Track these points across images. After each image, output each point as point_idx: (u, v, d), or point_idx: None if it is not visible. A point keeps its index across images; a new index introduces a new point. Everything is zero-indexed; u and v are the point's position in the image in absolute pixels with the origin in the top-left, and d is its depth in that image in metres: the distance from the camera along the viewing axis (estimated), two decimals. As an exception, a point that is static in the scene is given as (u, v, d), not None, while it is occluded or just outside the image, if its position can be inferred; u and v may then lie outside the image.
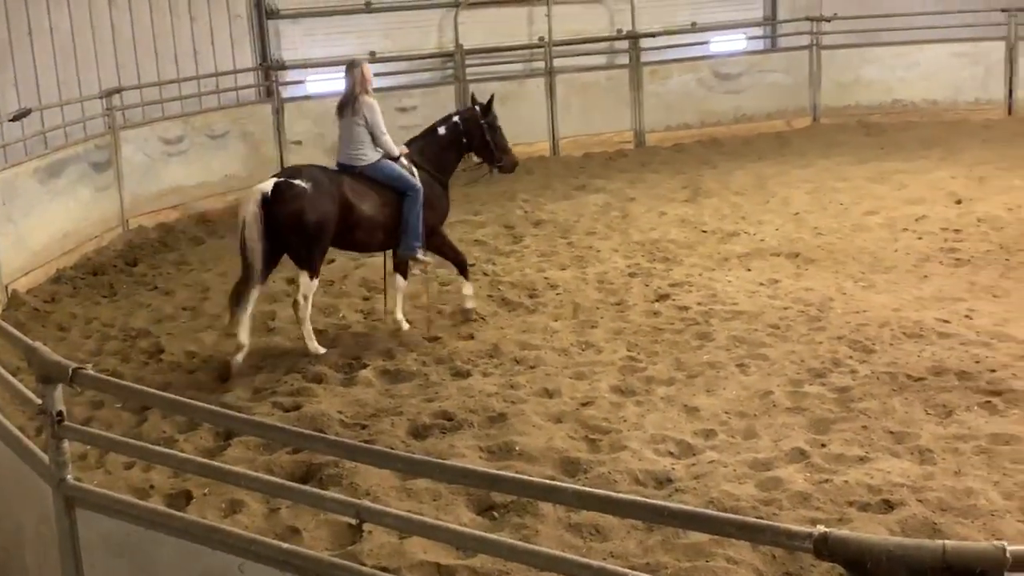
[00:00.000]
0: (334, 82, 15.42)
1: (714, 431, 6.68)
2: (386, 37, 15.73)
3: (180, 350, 8.67)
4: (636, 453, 6.37)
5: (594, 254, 10.63)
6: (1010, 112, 16.04)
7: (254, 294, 8.19)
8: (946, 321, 8.14)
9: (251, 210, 7.99)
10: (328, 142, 14.52)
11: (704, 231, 11.19)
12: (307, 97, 14.95)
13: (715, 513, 2.75)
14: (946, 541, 2.56)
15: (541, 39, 16.00)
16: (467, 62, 15.41)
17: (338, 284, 10.09)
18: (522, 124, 15.43)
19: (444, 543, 4.98)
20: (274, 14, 15.18)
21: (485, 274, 10.13)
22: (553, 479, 5.91)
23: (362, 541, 5.42)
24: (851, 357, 7.61)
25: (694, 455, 6.39)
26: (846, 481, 5.86)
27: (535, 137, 15.54)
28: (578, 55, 16.32)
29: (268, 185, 8.13)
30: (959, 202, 11.50)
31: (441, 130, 9.03)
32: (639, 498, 3.39)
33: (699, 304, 8.94)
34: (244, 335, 8.07)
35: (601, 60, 16.71)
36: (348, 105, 8.57)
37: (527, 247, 11.04)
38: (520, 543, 3.81)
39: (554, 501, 2.90)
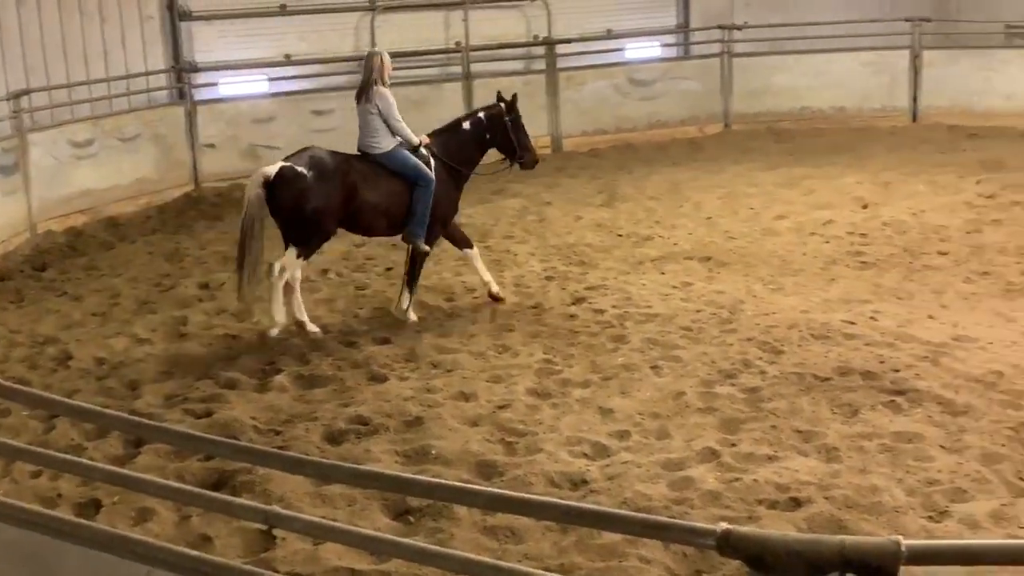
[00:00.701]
0: (248, 84, 15.35)
1: (628, 432, 6.77)
2: (302, 40, 15.61)
3: (89, 357, 8.50)
4: (552, 455, 6.43)
5: (511, 258, 10.68)
6: (915, 119, 16.50)
7: (298, 273, 8.60)
8: (852, 323, 8.35)
9: (255, 192, 8.31)
10: (242, 144, 14.43)
11: (619, 235, 11.32)
12: (220, 100, 14.77)
13: (622, 512, 2.81)
14: (845, 536, 2.64)
15: (458, 44, 16.02)
16: (383, 66, 15.34)
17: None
18: (439, 128, 15.46)
19: (357, 548, 4.96)
20: (187, 16, 14.96)
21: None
22: (469, 482, 5.93)
23: (275, 548, 5.38)
24: (761, 358, 7.77)
25: (608, 456, 6.47)
26: (755, 480, 5.99)
27: (452, 141, 15.53)
28: (495, 60, 16.38)
29: (273, 169, 8.41)
30: (865, 207, 11.81)
31: (466, 124, 9.29)
32: (548, 499, 3.43)
33: (614, 307, 9.04)
34: (280, 313, 8.44)
35: (518, 66, 16.80)
36: (363, 94, 8.84)
37: (445, 251, 11.00)
38: (433, 547, 3.83)
39: (465, 504, 2.93)
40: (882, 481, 5.94)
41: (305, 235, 8.50)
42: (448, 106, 15.52)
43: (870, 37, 16.68)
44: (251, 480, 6.10)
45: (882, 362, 7.54)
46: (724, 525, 2.60)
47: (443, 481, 3.46)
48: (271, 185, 8.35)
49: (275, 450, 4.19)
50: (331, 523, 3.87)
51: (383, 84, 8.86)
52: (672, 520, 2.78)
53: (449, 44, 16.25)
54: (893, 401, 6.95)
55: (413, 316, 8.90)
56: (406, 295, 8.97)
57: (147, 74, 14.39)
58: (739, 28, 16.97)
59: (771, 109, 16.74)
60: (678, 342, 8.18)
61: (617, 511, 3.00)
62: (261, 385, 7.79)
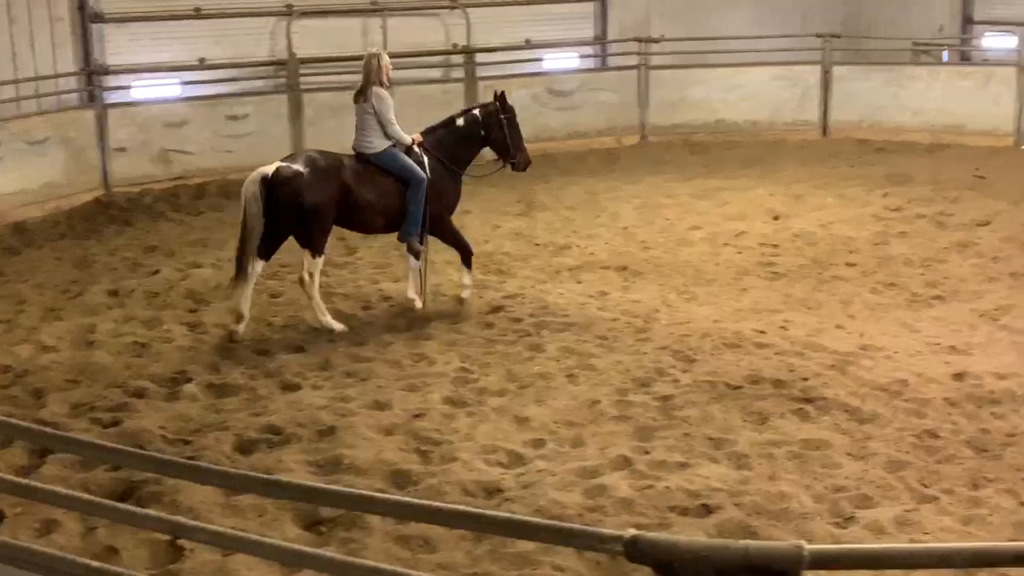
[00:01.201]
0: (161, 88, 15.09)
1: (543, 440, 6.79)
2: (216, 44, 15.39)
3: (-8, 365, 8.26)
4: (467, 464, 6.42)
5: (428, 266, 10.63)
6: (825, 133, 16.88)
7: (256, 268, 8.71)
8: (763, 332, 8.49)
9: (251, 190, 8.49)
10: (154, 148, 14.18)
11: (537, 244, 11.37)
12: (132, 103, 14.50)
13: (531, 519, 2.81)
14: (749, 542, 2.68)
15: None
16: (301, 71, 15.22)
17: (163, 296, 9.80)
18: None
19: (267, 559, 4.89)
20: (98, 18, 14.65)
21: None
22: (382, 492, 5.89)
23: (184, 560, 5.28)
24: (674, 366, 7.86)
25: (523, 464, 6.48)
26: (668, 487, 6.05)
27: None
28: (414, 68, 16.34)
29: (270, 168, 8.58)
30: (776, 218, 12.04)
31: (460, 121, 9.39)
32: (459, 507, 3.43)
33: (531, 316, 9.07)
34: (245, 307, 8.59)
35: (437, 74, 16.79)
36: (362, 94, 9.01)
37: (361, 259, 10.98)
38: (343, 556, 3.79)
39: (376, 513, 2.90)
40: (790, 488, 6.05)
41: (307, 232, 8.70)
42: (366, 113, 15.47)
43: (782, 52, 17.04)
44: (159, 491, 5.98)
45: (791, 371, 7.68)
46: (632, 531, 2.62)
47: (352, 490, 3.43)
48: (269, 184, 8.50)
49: (182, 460, 4.11)
50: (240, 534, 3.80)
51: (381, 85, 9.01)
52: (580, 527, 2.79)
53: (368, 50, 16.11)
54: (802, 409, 7.09)
55: (419, 303, 9.20)
56: (413, 288, 9.29)
57: (57, 76, 14.05)
58: (655, 41, 17.19)
59: (687, 121, 16.98)
60: (594, 351, 8.24)
61: (526, 518, 3.00)
62: (171, 394, 7.64)
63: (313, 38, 15.68)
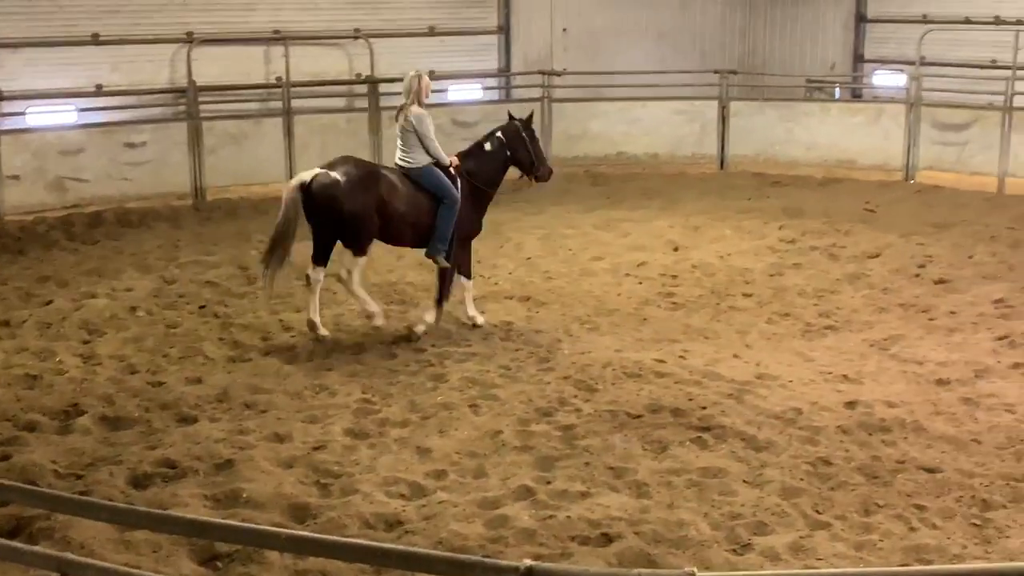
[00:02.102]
0: (57, 114, 14.75)
1: (445, 472, 6.77)
2: (115, 70, 15.13)
3: None
4: (368, 496, 6.37)
5: (331, 296, 10.56)
6: (723, 167, 17.28)
7: (318, 275, 9.15)
8: (663, 361, 8.61)
9: (291, 197, 8.89)
10: (49, 176, 13.84)
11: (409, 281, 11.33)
12: (27, 129, 14.15)
13: (428, 552, 2.81)
14: (642, 570, 2.71)
15: (278, 79, 15.85)
16: (201, 99, 15.04)
17: (56, 326, 9.53)
18: (259, 164, 15.27)
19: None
20: (-9, 42, 14.29)
21: (216, 316, 9.87)
22: (281, 526, 5.80)
23: (73, 598, 5.12)
24: (576, 396, 7.92)
25: (425, 496, 6.45)
26: (569, 516, 6.08)
27: (272, 177, 15.33)
28: (317, 97, 16.29)
29: (309, 175, 8.97)
30: (676, 250, 12.25)
31: (487, 146, 9.75)
32: (354, 540, 3.40)
33: (434, 346, 9.05)
34: (315, 315, 9.13)
35: (340, 103, 16.75)
36: (402, 111, 9.32)
37: (261, 289, 10.82)
38: (239, 592, 3.73)
39: (270, 547, 2.86)
40: (689, 515, 6.13)
41: (349, 235, 9.01)
42: (269, 141, 15.38)
43: (682, 87, 17.41)
44: (50, 527, 5.79)
45: (690, 399, 7.80)
46: (527, 562, 2.64)
47: (248, 525, 3.37)
48: (306, 191, 8.82)
49: (73, 496, 4.00)
50: (129, 570, 3.71)
51: (420, 104, 9.29)
52: (478, 559, 2.80)
53: (270, 79, 16.05)
54: (700, 437, 7.19)
55: (423, 327, 9.30)
56: (431, 311, 9.44)
57: (-54, 101, 13.66)
58: (558, 74, 17.43)
59: (589, 153, 17.22)
60: (497, 381, 8.26)
61: (423, 551, 3.00)
62: (63, 427, 7.43)
63: (214, 66, 15.51)
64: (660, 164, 17.29)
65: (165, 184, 14.66)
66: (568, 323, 9.72)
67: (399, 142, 9.38)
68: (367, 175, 9.04)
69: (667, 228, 13.23)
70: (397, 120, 9.38)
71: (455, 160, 9.47)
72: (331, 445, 7.11)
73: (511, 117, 9.98)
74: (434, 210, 9.26)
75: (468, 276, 9.67)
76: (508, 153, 9.76)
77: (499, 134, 9.82)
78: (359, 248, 9.10)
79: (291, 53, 15.78)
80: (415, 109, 9.24)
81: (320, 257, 9.21)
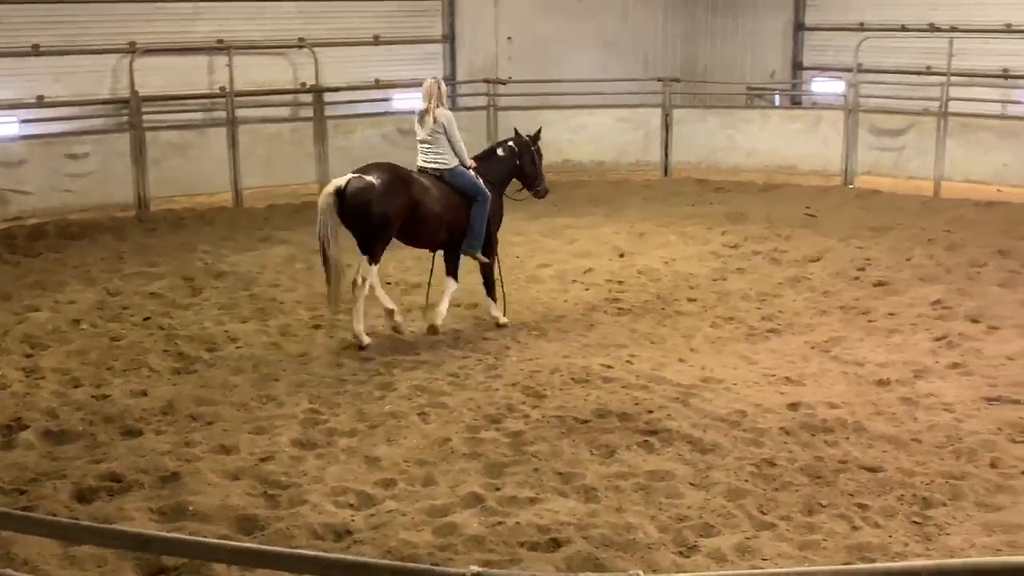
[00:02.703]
0: (0, 126, 14.53)
1: (394, 480, 6.77)
2: (56, 81, 14.93)
3: None
4: (316, 506, 6.36)
5: (278, 306, 10.54)
6: (666, 173, 17.45)
7: (374, 278, 9.29)
8: (610, 366, 8.69)
9: (326, 202, 9.03)
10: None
11: (388, 283, 11.35)
12: (-36, 140, 13.94)
13: (376, 561, 2.83)
14: (589, 574, 2.76)
15: (222, 89, 15.75)
16: (144, 109, 14.92)
17: (-3, 341, 9.41)
18: (203, 174, 15.17)
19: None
20: (-72, 52, 14.06)
21: (161, 328, 9.79)
22: (228, 538, 5.78)
23: (18, 615, 5.07)
24: (524, 402, 7.97)
25: (374, 505, 6.45)
26: (518, 522, 6.12)
27: (217, 188, 15.29)
28: (262, 106, 16.21)
29: (343, 179, 9.11)
30: (622, 256, 12.36)
31: (500, 152, 10.17)
32: (300, 551, 3.40)
33: (382, 355, 9.06)
34: (360, 326, 9.18)
35: (285, 112, 16.68)
36: (425, 115, 9.57)
37: (207, 300, 10.78)
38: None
39: (216, 560, 2.86)
40: (636, 519, 6.20)
41: (371, 240, 9.19)
42: (213, 152, 15.29)
43: (626, 95, 17.57)
44: (-8, 544, 5.72)
45: (637, 404, 7.88)
46: (474, 568, 2.67)
47: (193, 538, 3.37)
48: (341, 195, 8.98)
49: (15, 511, 3.96)
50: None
51: (443, 106, 9.65)
52: (425, 567, 2.83)
53: (214, 89, 15.95)
54: (647, 441, 7.26)
55: (504, 319, 9.77)
56: (494, 306, 9.87)
57: None
58: (503, 83, 17.50)
59: (535, 161, 17.26)
60: (445, 388, 8.28)
61: (371, 560, 3.02)
62: (5, 442, 7.33)
63: (157, 76, 15.38)
64: (605, 171, 17.43)
65: (108, 195, 14.51)
66: (515, 330, 9.77)
67: (427, 145, 9.64)
68: (401, 179, 9.25)
69: (613, 235, 13.34)
70: (423, 124, 9.62)
71: (473, 162, 9.81)
72: (278, 456, 7.09)
73: (517, 132, 10.36)
74: (466, 210, 9.57)
75: (456, 279, 9.90)
76: (517, 163, 10.14)
77: (511, 143, 10.21)
78: (376, 254, 9.29)
79: (235, 63, 15.71)
80: (444, 112, 9.60)
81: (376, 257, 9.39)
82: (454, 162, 9.62)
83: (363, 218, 9.08)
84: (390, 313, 9.51)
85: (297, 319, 10.09)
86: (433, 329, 9.57)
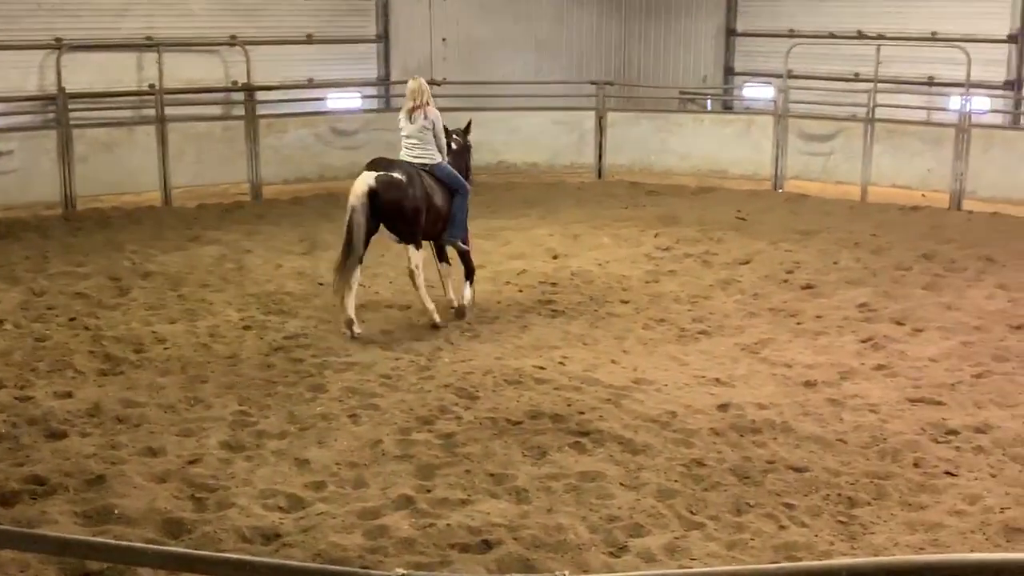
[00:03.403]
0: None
1: (324, 483, 6.72)
2: (-21, 77, 14.60)
3: None
4: (244, 509, 6.28)
5: (207, 307, 10.40)
6: (600, 176, 17.56)
7: (357, 274, 9.59)
8: (543, 368, 8.72)
9: (361, 201, 9.42)
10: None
11: (320, 284, 11.28)
12: None
13: (303, 564, 2.81)
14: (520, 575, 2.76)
15: (152, 86, 15.51)
16: (71, 106, 14.63)
17: (-85, 342, 9.15)
18: (131, 173, 14.95)
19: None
20: None
21: (87, 328, 9.61)
22: (153, 541, 5.69)
23: (-66, 624, 4.94)
24: (457, 404, 7.95)
25: (304, 508, 6.39)
26: (449, 524, 6.11)
27: (145, 187, 15.07)
28: (192, 104, 15.99)
29: (371, 178, 9.50)
30: (556, 257, 12.41)
31: (454, 145, 10.43)
32: (226, 555, 3.36)
33: (313, 356, 8.99)
34: (351, 311, 9.45)
35: (217, 111, 16.48)
36: (413, 113, 9.98)
37: (134, 300, 10.60)
38: (110, 609, 3.65)
39: (141, 564, 2.81)
40: (567, 520, 6.22)
41: (410, 230, 9.67)
42: (142, 150, 15.06)
43: (560, 98, 17.65)
44: (-93, 551, 5.57)
45: (569, 405, 7.91)
46: (400, 571, 2.66)
47: (117, 542, 3.31)
48: (375, 191, 9.42)
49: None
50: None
51: (431, 105, 10.06)
52: (354, 570, 2.81)
53: (143, 86, 15.70)
54: (579, 442, 7.30)
55: (469, 301, 10.24)
56: (469, 291, 10.26)
57: None
58: (438, 83, 17.42)
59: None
60: (377, 390, 8.24)
61: (297, 563, 2.99)
62: (-77, 446, 7.15)
63: (84, 72, 15.09)
64: (539, 173, 17.49)
65: (33, 194, 14.21)
66: (449, 331, 9.75)
67: (415, 141, 9.99)
68: (415, 172, 9.74)
69: (547, 236, 13.38)
70: (412, 121, 9.98)
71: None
72: (206, 458, 6.99)
73: (467, 126, 10.78)
74: (450, 201, 10.06)
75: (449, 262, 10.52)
76: (464, 157, 10.61)
77: (456, 137, 10.55)
78: (419, 241, 9.78)
79: (165, 60, 15.47)
80: (434, 110, 10.07)
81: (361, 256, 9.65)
82: (439, 157, 10.04)
83: (400, 212, 9.56)
84: (431, 312, 9.91)
85: (227, 320, 9.97)
86: (461, 311, 10.16)
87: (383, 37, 18.11)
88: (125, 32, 15.63)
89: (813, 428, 7.60)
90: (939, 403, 8.06)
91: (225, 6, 16.50)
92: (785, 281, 11.47)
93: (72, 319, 9.89)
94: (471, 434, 7.42)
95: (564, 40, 19.60)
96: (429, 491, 6.60)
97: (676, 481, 6.76)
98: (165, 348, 9.17)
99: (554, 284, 11.33)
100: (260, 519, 6.16)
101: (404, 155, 10.01)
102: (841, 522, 6.31)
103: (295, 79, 16.99)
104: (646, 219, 14.39)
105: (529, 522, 6.18)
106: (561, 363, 8.91)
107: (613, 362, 9.01)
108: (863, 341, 9.53)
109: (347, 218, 9.55)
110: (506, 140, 17.43)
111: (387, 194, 9.50)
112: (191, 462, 6.93)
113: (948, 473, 6.93)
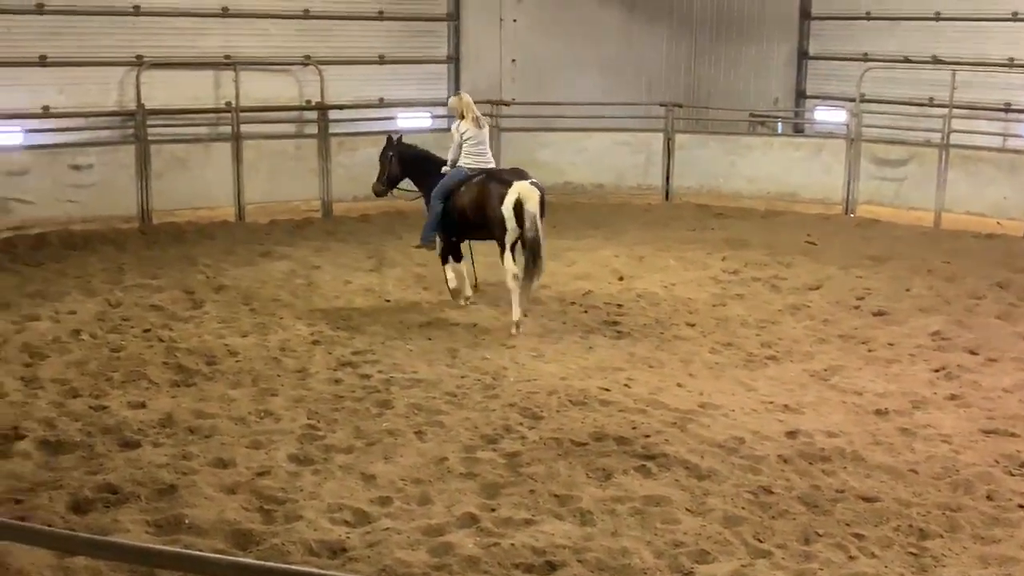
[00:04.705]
0: (2, 135, 14.56)
1: (390, 498, 6.77)
2: (61, 92, 14.97)
3: None
4: (311, 523, 6.35)
5: (277, 321, 10.55)
6: (667, 198, 17.51)
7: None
8: (607, 389, 8.69)
9: (536, 205, 10.16)
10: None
11: (387, 301, 11.39)
12: (-32, 149, 13.98)
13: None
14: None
15: (228, 104, 15.81)
16: (149, 123, 14.97)
17: (-4, 350, 9.41)
18: (207, 188, 15.23)
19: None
20: (-64, 61, 14.10)
21: (161, 340, 9.79)
22: (223, 552, 5.78)
23: (11, 625, 5.06)
24: (521, 424, 7.96)
25: (369, 523, 6.44)
26: (513, 544, 6.11)
27: (219, 202, 15.36)
28: (266, 122, 16.27)
29: (534, 186, 10.21)
30: (621, 279, 12.39)
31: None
32: (298, 567, 3.40)
33: (380, 372, 9.06)
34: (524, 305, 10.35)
35: (290, 128, 16.75)
36: (483, 122, 11.12)
37: (207, 313, 10.79)
38: (183, 618, 3.72)
39: (208, 574, 2.86)
40: (632, 544, 6.19)
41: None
42: (216, 166, 15.34)
43: (628, 119, 17.64)
44: (-14, 554, 5.71)
45: (634, 428, 7.88)
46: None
47: (190, 552, 3.37)
48: (542, 199, 10.27)
49: (11, 521, 3.96)
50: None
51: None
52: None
53: (219, 104, 16.01)
54: (644, 465, 7.26)
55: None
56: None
57: None
58: (507, 104, 17.58)
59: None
60: (442, 407, 8.28)
61: None
62: (2, 451, 7.32)
63: (163, 89, 15.44)
64: (605, 194, 17.48)
65: (111, 207, 14.55)
66: (514, 351, 9.78)
67: (484, 147, 10.99)
68: None
69: (612, 258, 13.36)
70: (481, 128, 11.00)
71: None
72: (275, 471, 7.08)
73: (391, 136, 11.73)
74: None
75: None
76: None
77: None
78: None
79: (241, 78, 15.77)
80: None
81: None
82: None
83: (543, 215, 10.29)
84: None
85: (296, 334, 10.10)
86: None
87: (454, 58, 18.27)
88: (204, 51, 15.96)
89: (884, 458, 7.48)
90: (1013, 435, 7.90)
91: (300, 27, 16.78)
92: (856, 307, 11.32)
93: (147, 331, 10.09)
94: (535, 454, 7.43)
95: (633, 61, 19.60)
96: (493, 510, 6.61)
97: (743, 508, 6.69)
98: (236, 361, 9.32)
99: (619, 306, 11.31)
100: (327, 533, 6.22)
101: (477, 161, 10.87)
102: (912, 554, 6.20)
103: (366, 99, 17.21)
104: (713, 242, 14.31)
105: (593, 545, 6.16)
106: (626, 385, 8.88)
107: (679, 385, 8.96)
108: (936, 370, 9.37)
109: (535, 223, 10.08)
110: (572, 161, 17.47)
111: (542, 200, 10.29)
112: (260, 474, 7.02)
113: (1022, 507, 6.77)
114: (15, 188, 13.88)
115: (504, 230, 10.23)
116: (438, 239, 11.07)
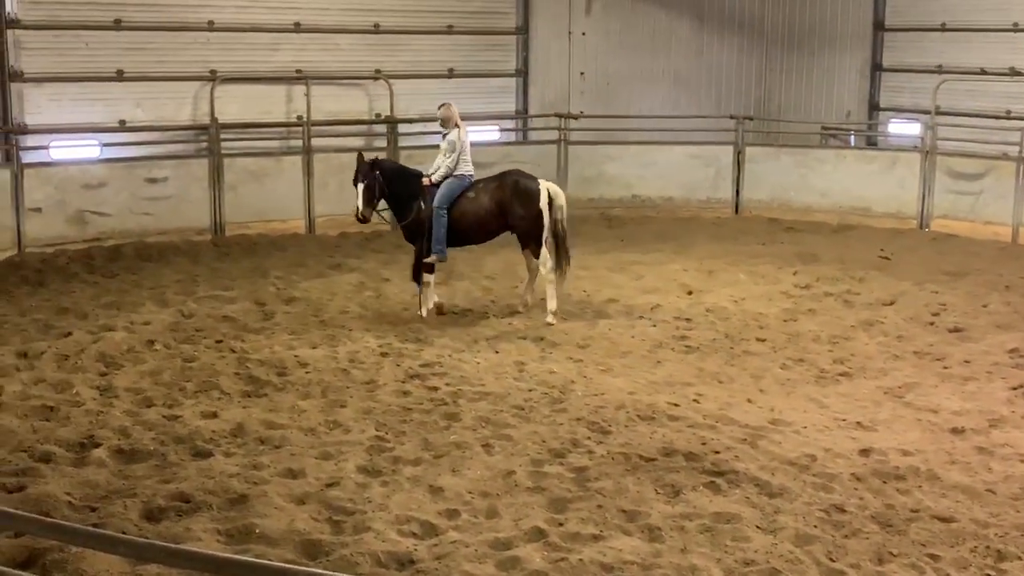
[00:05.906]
0: (80, 148, 14.94)
1: (458, 511, 6.77)
2: (137, 106, 15.32)
3: None
4: (380, 534, 6.37)
5: (346, 333, 10.63)
6: (737, 211, 17.34)
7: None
8: (676, 404, 8.62)
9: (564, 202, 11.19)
10: (70, 209, 14.00)
11: (455, 313, 11.42)
12: (50, 163, 14.32)
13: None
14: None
15: (300, 117, 16.02)
16: (222, 136, 15.22)
17: (74, 359, 9.59)
18: (278, 201, 15.45)
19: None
20: (17, 77, 14.47)
21: (233, 351, 9.93)
22: (293, 562, 5.82)
23: (86, 631, 5.14)
24: (589, 438, 7.92)
25: (437, 535, 6.45)
26: (581, 559, 6.07)
27: (290, 214, 15.55)
28: (337, 136, 16.45)
29: (549, 183, 11.27)
30: (690, 293, 12.29)
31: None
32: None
33: (448, 385, 9.08)
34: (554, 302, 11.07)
35: (359, 142, 16.90)
36: (462, 131, 11.46)
37: (278, 324, 10.92)
38: (254, 627, 3.74)
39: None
40: (701, 561, 6.11)
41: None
42: (287, 179, 15.55)
43: (697, 132, 17.53)
44: (63, 558, 5.82)
45: (704, 443, 7.80)
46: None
47: (263, 561, 3.40)
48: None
49: (87, 527, 4.03)
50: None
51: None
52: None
53: (291, 118, 16.22)
54: (713, 482, 7.18)
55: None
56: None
57: (-29, 134, 13.84)
58: (575, 117, 17.57)
59: (603, 195, 17.33)
60: (510, 421, 8.27)
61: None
62: (78, 459, 7.47)
63: (236, 103, 15.70)
64: (674, 208, 17.38)
65: (185, 219, 14.82)
66: (581, 365, 9.74)
67: (468, 156, 11.44)
68: None
69: (681, 271, 13.27)
70: (462, 138, 11.37)
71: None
72: (344, 482, 7.13)
73: (362, 155, 11.54)
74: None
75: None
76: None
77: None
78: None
79: (312, 92, 15.97)
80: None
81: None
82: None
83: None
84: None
85: (365, 346, 10.17)
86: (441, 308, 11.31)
87: (523, 72, 18.33)
88: (276, 65, 16.21)
89: (960, 477, 7.31)
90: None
91: (370, 42, 16.96)
92: (931, 323, 11.10)
93: (219, 341, 10.24)
94: (603, 469, 7.38)
95: (702, 74, 19.49)
96: (561, 524, 6.58)
97: (815, 527, 6.58)
98: (307, 372, 9.41)
99: (688, 320, 11.22)
100: (395, 544, 6.24)
101: (470, 168, 11.40)
102: (990, 576, 6.05)
103: (435, 112, 17.25)
104: (784, 256, 14.13)
105: (662, 561, 6.10)
106: (695, 400, 8.80)
107: (749, 401, 8.85)
108: (1014, 388, 9.14)
109: (561, 218, 11.02)
110: (641, 174, 17.40)
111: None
112: (329, 485, 7.07)
113: (1107, 530, 6.57)
114: (92, 201, 14.20)
115: (542, 226, 11.00)
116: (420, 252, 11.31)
